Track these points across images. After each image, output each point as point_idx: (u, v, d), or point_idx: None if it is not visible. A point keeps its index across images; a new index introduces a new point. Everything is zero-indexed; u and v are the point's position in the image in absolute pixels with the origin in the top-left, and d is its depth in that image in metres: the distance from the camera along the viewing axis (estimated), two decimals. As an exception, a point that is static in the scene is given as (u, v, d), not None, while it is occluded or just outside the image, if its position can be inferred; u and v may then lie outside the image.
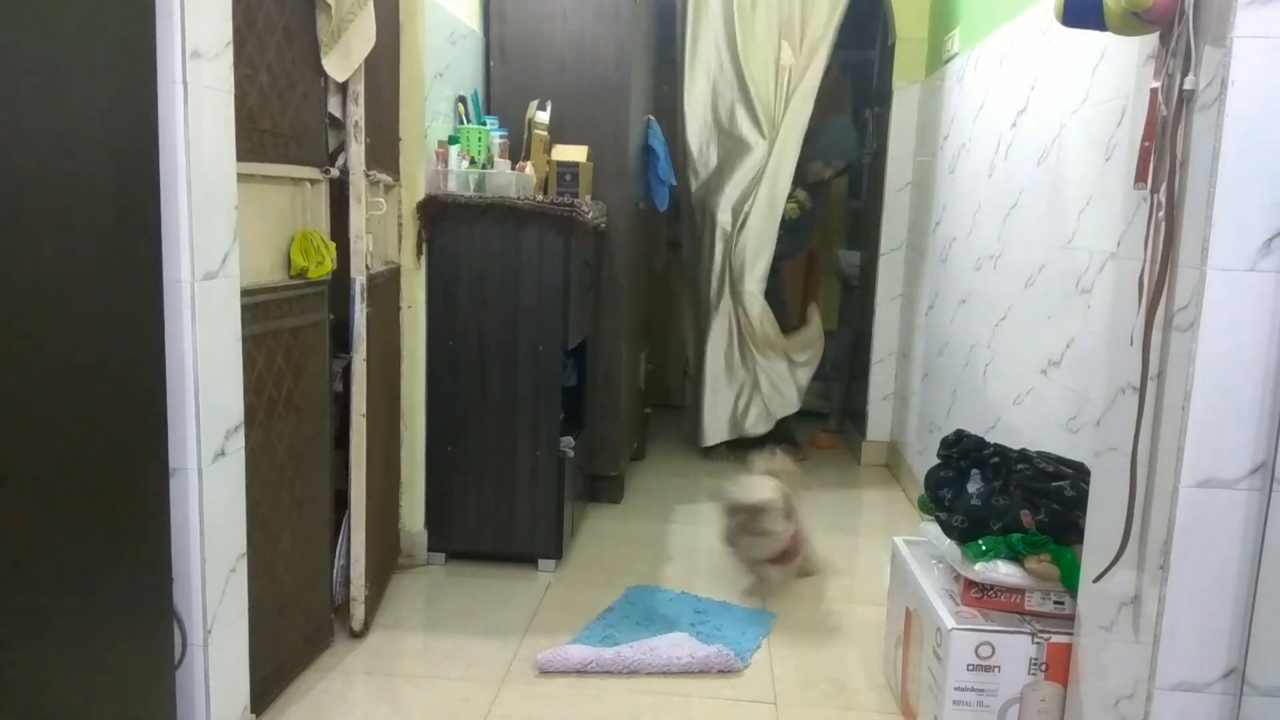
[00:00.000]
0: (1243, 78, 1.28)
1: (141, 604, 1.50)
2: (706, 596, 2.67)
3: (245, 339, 1.75)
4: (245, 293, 1.74)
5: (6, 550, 1.19)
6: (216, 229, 1.61)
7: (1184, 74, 1.36)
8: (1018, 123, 2.73)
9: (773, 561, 2.63)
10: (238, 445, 1.74)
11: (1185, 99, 1.37)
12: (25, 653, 1.24)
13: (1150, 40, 1.47)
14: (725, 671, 2.26)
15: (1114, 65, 2.07)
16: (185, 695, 1.64)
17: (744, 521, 2.59)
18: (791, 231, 4.04)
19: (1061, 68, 2.40)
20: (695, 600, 2.65)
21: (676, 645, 2.30)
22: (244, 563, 1.78)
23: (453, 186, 2.79)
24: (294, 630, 2.11)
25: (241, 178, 1.70)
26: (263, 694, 1.95)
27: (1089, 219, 2.17)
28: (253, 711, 1.85)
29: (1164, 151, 1.40)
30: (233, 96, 1.64)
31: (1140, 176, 1.45)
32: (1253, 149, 1.29)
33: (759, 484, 2.64)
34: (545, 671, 2.23)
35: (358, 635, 2.36)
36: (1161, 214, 1.40)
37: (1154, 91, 1.42)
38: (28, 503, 1.23)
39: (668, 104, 4.01)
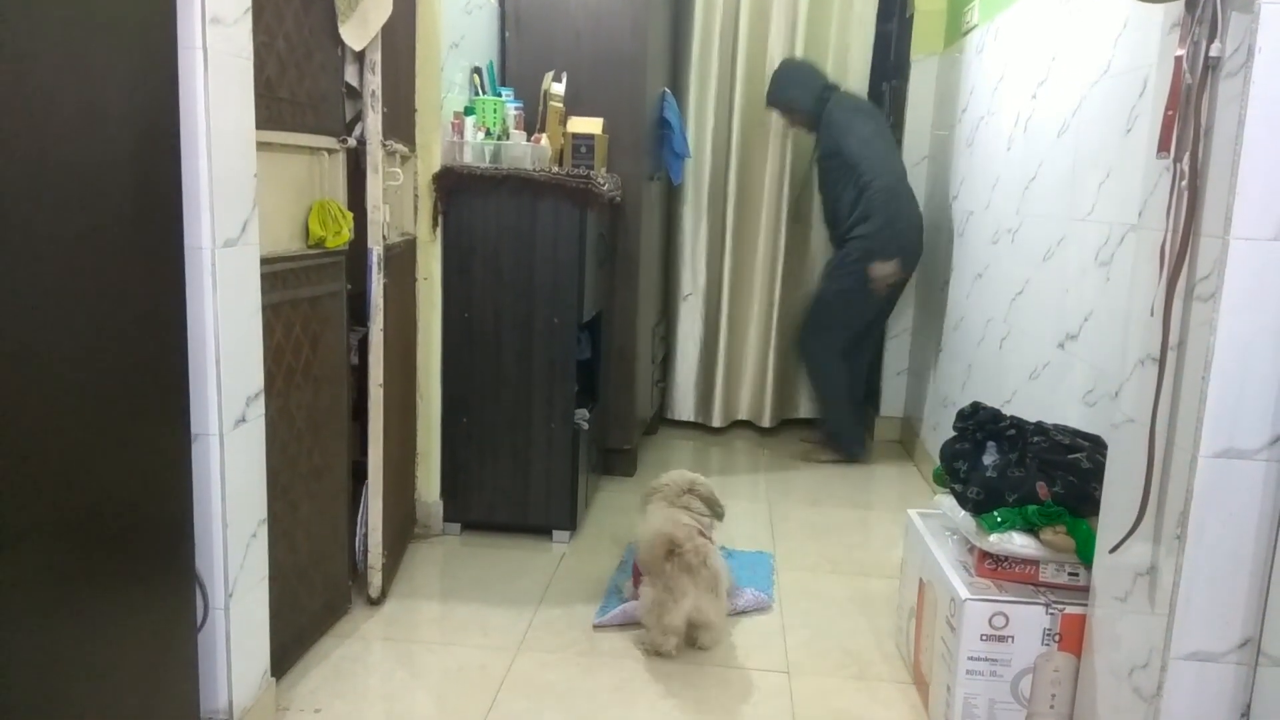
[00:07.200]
0: (1269, 44, 1.27)
1: (164, 567, 1.51)
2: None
3: (264, 308, 1.76)
4: (264, 261, 1.75)
5: (30, 515, 1.21)
6: (236, 196, 1.62)
7: (1210, 41, 1.34)
8: (1037, 94, 2.70)
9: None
10: (258, 412, 1.75)
11: (1210, 66, 1.36)
12: (49, 614, 1.26)
13: (1175, 8, 1.45)
14: (761, 610, 2.46)
15: (1136, 35, 2.05)
16: (207, 658, 1.66)
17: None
18: None
19: (1083, 38, 2.37)
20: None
21: None
22: (264, 528, 1.80)
23: (468, 158, 2.79)
24: (312, 596, 2.13)
25: (260, 146, 1.70)
26: (282, 658, 1.98)
27: (1109, 191, 2.15)
28: (272, 675, 1.87)
29: (1188, 120, 1.38)
30: (251, 64, 1.64)
31: (1163, 146, 1.44)
32: (1278, 117, 1.28)
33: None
34: (599, 627, 2.35)
35: (375, 602, 2.38)
36: (1184, 183, 1.39)
37: (1178, 59, 1.40)
38: (52, 467, 1.24)
39: (683, 76, 3.99)
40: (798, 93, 3.70)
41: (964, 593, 1.79)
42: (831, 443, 3.88)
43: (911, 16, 4.01)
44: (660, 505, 2.39)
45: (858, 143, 3.57)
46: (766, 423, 4.22)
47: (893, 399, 4.22)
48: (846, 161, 3.58)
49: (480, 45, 3.17)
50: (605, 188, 2.88)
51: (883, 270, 3.57)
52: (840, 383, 3.84)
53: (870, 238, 3.55)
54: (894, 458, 3.98)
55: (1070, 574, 1.80)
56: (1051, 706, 1.77)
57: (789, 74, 3.75)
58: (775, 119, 3.94)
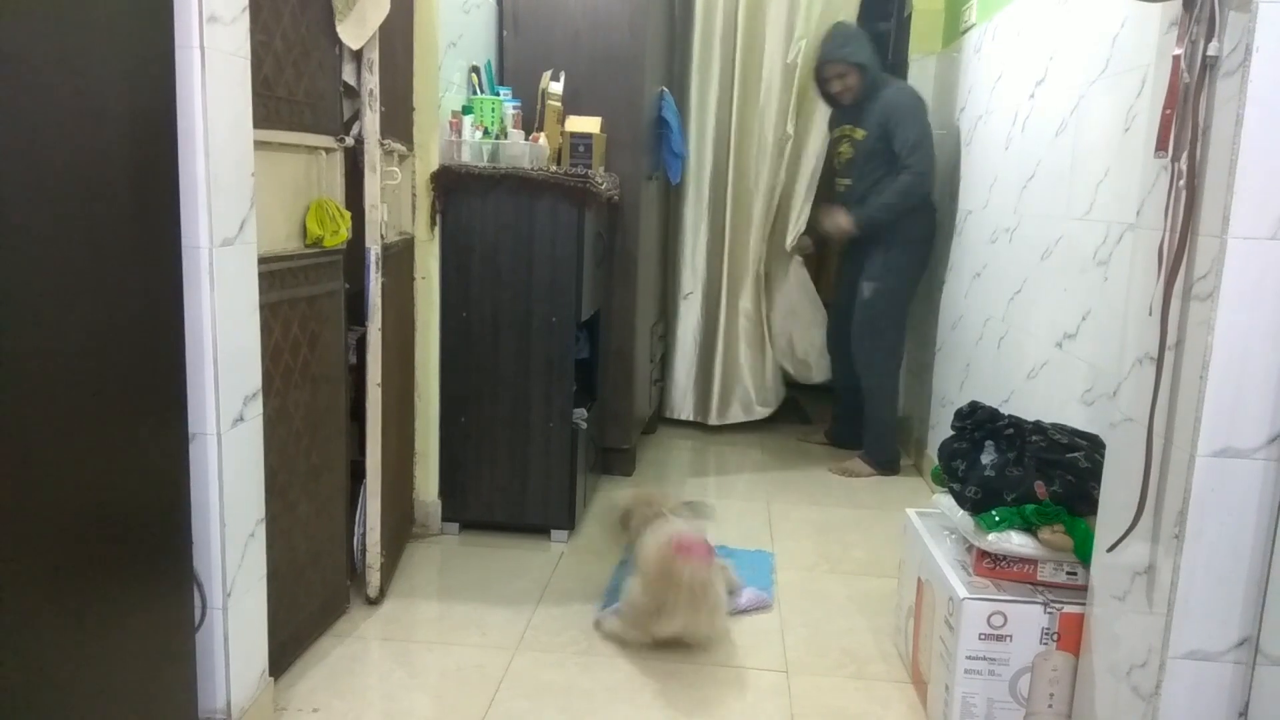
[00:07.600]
0: (1267, 44, 1.27)
1: (161, 566, 1.51)
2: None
3: (262, 307, 1.76)
4: (262, 260, 1.75)
5: (27, 515, 1.21)
6: (234, 195, 1.62)
7: (1208, 40, 1.34)
8: (1035, 94, 2.70)
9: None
10: (256, 411, 1.75)
11: (1208, 66, 1.36)
12: (46, 614, 1.25)
13: (1173, 7, 1.45)
14: (760, 609, 2.47)
15: (1134, 34, 2.05)
16: (205, 657, 1.66)
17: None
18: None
19: (1081, 37, 2.37)
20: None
21: None
22: (262, 528, 1.80)
23: (466, 157, 2.79)
24: (311, 596, 2.13)
25: (257, 145, 1.70)
26: (280, 658, 1.98)
27: (1107, 190, 2.15)
28: (271, 675, 1.87)
29: (1185, 119, 1.38)
30: (249, 62, 1.64)
31: (1161, 145, 1.44)
32: (1276, 116, 1.28)
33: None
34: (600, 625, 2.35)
35: (373, 602, 2.38)
36: (1182, 182, 1.39)
37: (1176, 59, 1.40)
38: (48, 466, 1.24)
39: (684, 76, 3.99)
40: (864, 53, 3.57)
41: (962, 592, 1.79)
42: (874, 457, 3.73)
43: (910, 15, 4.01)
44: (658, 521, 2.32)
45: (918, 135, 3.49)
46: (762, 414, 4.21)
47: (891, 398, 4.21)
48: (893, 149, 3.50)
49: (478, 44, 3.17)
50: (603, 187, 2.88)
51: (839, 220, 3.61)
52: (896, 396, 3.80)
53: (876, 219, 3.55)
54: (892, 457, 3.97)
55: (1068, 573, 1.80)
56: (1050, 705, 1.77)
57: (852, 32, 3.63)
58: (773, 117, 3.93)
